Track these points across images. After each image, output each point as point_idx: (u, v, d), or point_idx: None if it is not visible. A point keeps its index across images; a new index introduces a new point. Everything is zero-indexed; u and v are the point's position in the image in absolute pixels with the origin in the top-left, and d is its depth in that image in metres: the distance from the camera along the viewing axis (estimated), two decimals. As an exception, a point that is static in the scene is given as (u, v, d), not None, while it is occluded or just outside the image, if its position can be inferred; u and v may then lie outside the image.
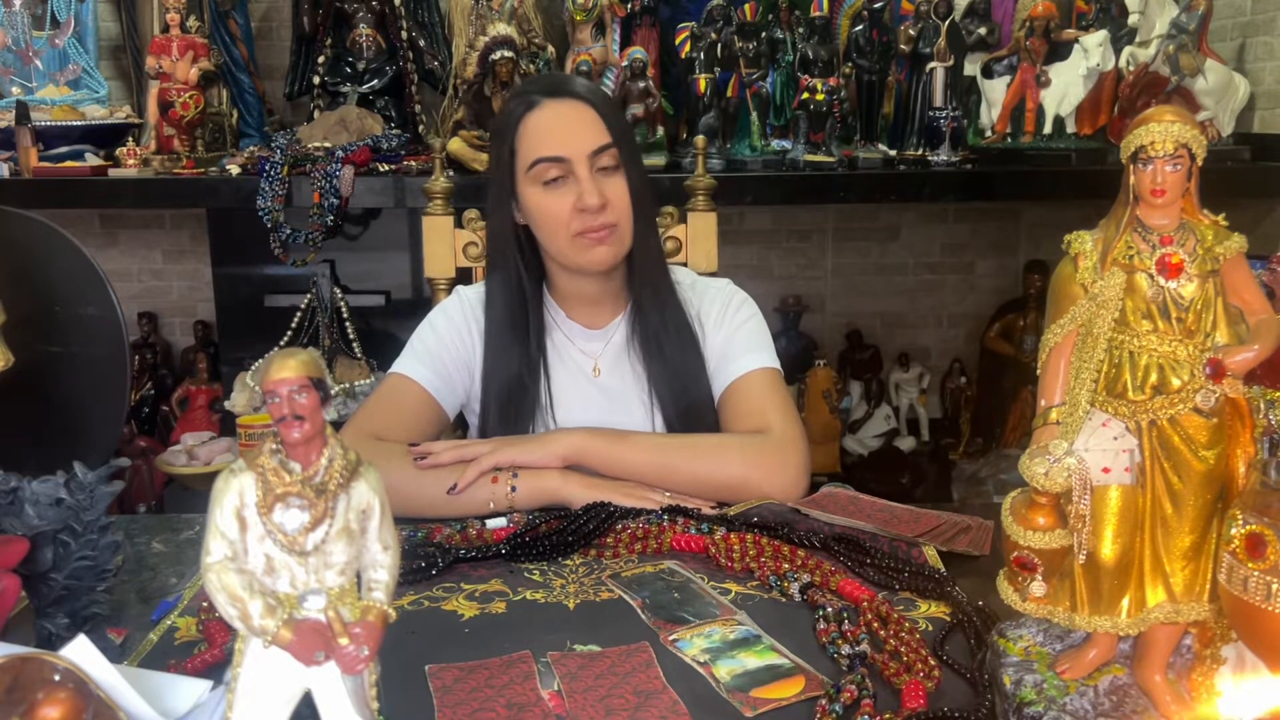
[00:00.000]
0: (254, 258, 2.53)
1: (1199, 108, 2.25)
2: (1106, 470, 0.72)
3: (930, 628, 0.94)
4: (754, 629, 0.93)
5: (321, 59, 2.56)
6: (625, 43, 2.43)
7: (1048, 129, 2.37)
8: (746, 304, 1.47)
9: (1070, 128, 2.36)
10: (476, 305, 1.45)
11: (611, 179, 1.34)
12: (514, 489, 1.23)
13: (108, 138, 2.50)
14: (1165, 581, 0.73)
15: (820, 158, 2.34)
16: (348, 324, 2.52)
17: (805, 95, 2.34)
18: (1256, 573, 0.65)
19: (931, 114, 2.37)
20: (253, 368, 2.52)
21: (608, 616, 0.97)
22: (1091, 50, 2.29)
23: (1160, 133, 0.70)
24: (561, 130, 1.33)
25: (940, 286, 3.14)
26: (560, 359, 1.43)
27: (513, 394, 1.39)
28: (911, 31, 2.38)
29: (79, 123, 2.48)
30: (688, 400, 1.40)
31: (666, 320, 1.40)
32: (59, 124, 2.45)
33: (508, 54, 2.18)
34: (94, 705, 0.63)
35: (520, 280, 1.41)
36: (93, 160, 2.37)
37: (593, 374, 1.43)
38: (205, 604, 0.95)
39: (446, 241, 1.69)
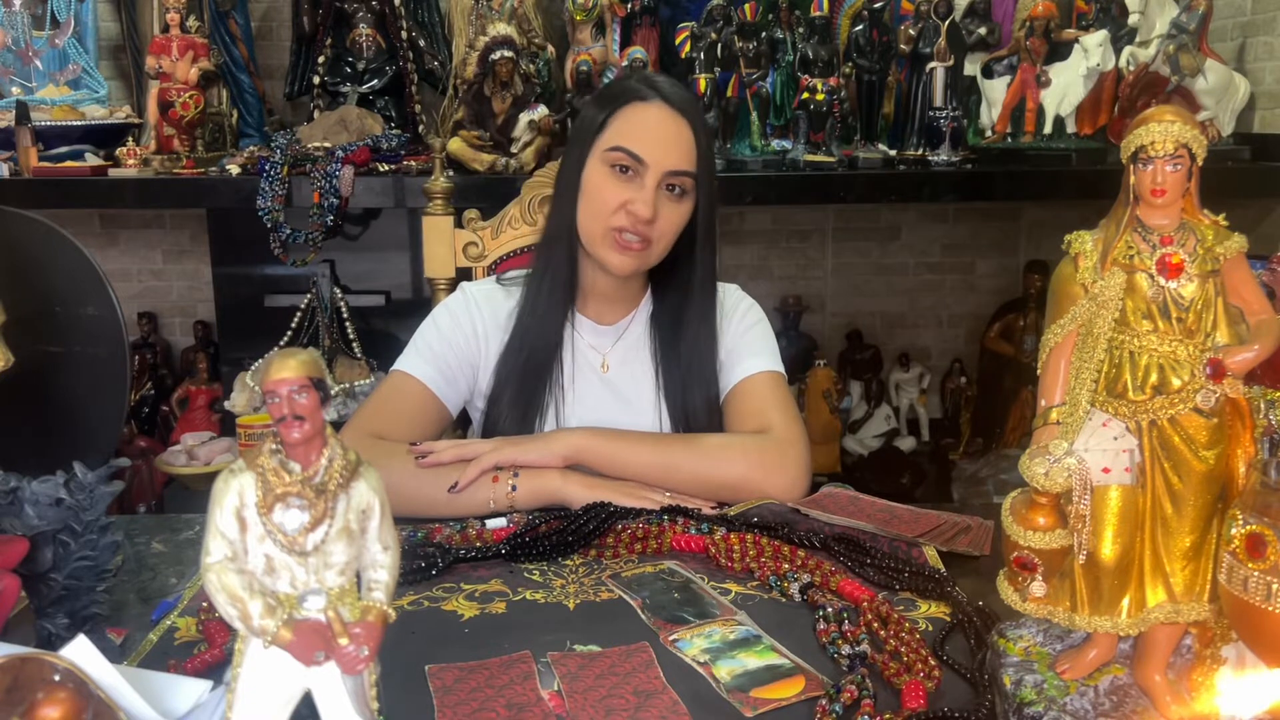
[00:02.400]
0: (254, 258, 2.53)
1: (1199, 108, 2.25)
2: (1106, 470, 0.72)
3: (930, 628, 0.94)
4: (754, 629, 0.93)
5: (321, 59, 2.56)
6: (625, 43, 2.44)
7: (1048, 129, 2.37)
8: (753, 309, 1.48)
9: (1070, 128, 2.36)
10: (482, 301, 1.44)
11: (673, 203, 1.34)
12: (514, 488, 1.23)
13: (108, 138, 2.49)
14: (1165, 581, 0.73)
15: (820, 158, 2.34)
16: (348, 324, 2.52)
17: (805, 95, 2.35)
18: (1256, 573, 0.64)
19: (931, 114, 2.37)
20: (253, 368, 2.52)
21: (608, 616, 0.97)
22: (1091, 50, 2.29)
23: (1160, 133, 0.70)
24: (657, 135, 1.32)
25: (940, 286, 3.15)
26: (570, 352, 1.43)
27: (534, 372, 1.39)
28: (911, 31, 2.38)
29: (79, 123, 2.48)
30: (697, 400, 1.40)
31: (697, 335, 1.41)
32: (59, 124, 2.45)
33: (508, 54, 2.19)
34: (94, 705, 0.63)
35: (576, 256, 1.41)
36: (93, 160, 2.37)
37: (601, 370, 1.44)
38: (205, 604, 0.95)
39: (446, 241, 1.69)
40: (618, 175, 1.33)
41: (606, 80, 2.32)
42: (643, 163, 1.31)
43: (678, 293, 1.42)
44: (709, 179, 1.37)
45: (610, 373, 1.44)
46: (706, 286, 1.42)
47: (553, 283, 1.41)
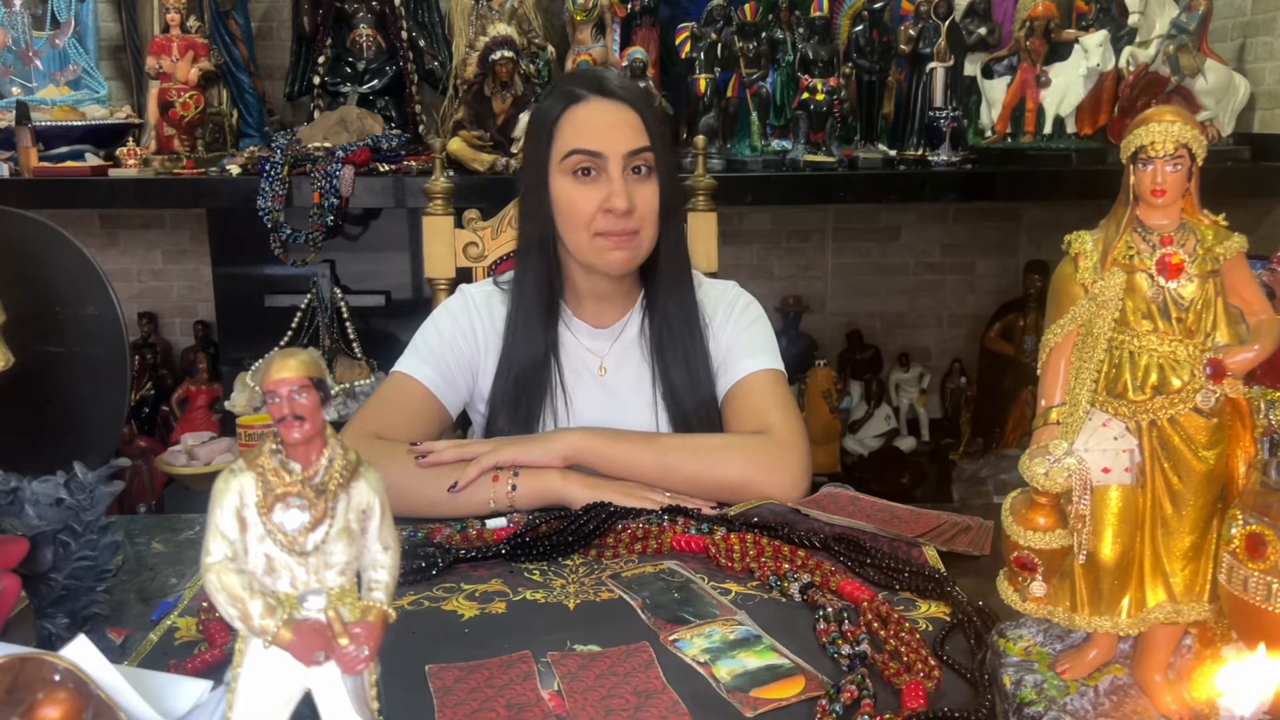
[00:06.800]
0: (254, 258, 2.53)
1: (1199, 108, 2.25)
2: (1106, 470, 0.72)
3: (930, 628, 0.94)
4: (754, 629, 0.93)
5: (321, 59, 2.56)
6: (625, 43, 2.43)
7: (1048, 129, 2.37)
8: (752, 306, 1.47)
9: (1070, 128, 2.36)
10: (481, 303, 1.44)
11: (643, 184, 1.34)
12: (514, 488, 1.23)
13: (108, 138, 2.50)
14: (1165, 581, 0.73)
15: (820, 158, 2.34)
16: (348, 324, 2.52)
17: (805, 95, 2.35)
18: (1256, 573, 0.65)
19: (931, 114, 2.37)
20: (253, 368, 2.52)
21: (608, 616, 0.97)
22: (1091, 50, 2.29)
23: (1160, 133, 0.70)
24: (603, 127, 1.33)
25: (940, 286, 3.15)
26: (567, 356, 1.43)
27: (529, 383, 1.39)
28: (911, 31, 2.38)
29: (79, 123, 2.48)
30: (694, 400, 1.40)
31: (680, 320, 1.40)
32: (59, 124, 2.45)
33: (508, 54, 2.19)
34: (94, 705, 0.63)
35: (551, 268, 1.41)
36: (93, 160, 2.37)
37: (599, 372, 1.43)
38: (205, 604, 0.95)
39: (446, 241, 1.69)
40: (582, 179, 1.33)
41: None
42: (600, 155, 1.31)
43: (669, 285, 1.42)
44: (666, 154, 1.37)
45: (607, 376, 1.43)
46: (673, 255, 1.41)
47: (531, 295, 1.40)
